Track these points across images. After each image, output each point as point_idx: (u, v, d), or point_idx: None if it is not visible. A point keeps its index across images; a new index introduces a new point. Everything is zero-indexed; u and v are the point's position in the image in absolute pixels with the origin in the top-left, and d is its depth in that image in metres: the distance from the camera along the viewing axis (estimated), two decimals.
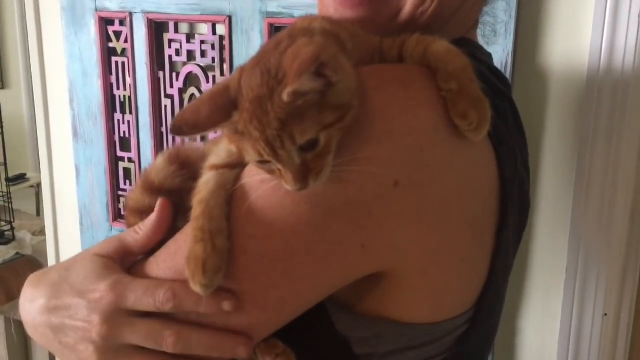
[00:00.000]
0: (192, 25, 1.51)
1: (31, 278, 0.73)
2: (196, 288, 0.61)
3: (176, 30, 1.51)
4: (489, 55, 0.88)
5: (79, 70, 1.64)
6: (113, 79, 1.60)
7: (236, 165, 0.66)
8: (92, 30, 1.58)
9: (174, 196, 0.74)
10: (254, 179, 0.63)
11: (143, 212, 0.75)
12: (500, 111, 0.74)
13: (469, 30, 0.85)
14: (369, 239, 0.64)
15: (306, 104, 0.56)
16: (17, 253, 2.76)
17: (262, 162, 0.59)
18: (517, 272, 1.29)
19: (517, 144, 0.79)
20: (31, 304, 0.70)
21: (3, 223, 2.86)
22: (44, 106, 1.70)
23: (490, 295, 0.75)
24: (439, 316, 0.72)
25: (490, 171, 0.71)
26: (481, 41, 0.95)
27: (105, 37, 1.57)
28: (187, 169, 0.76)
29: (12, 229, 2.87)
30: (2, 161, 2.84)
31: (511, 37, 1.19)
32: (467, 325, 0.75)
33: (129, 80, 1.59)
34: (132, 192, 0.81)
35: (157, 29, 1.52)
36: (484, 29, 1.17)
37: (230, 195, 0.65)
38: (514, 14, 1.17)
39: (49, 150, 1.77)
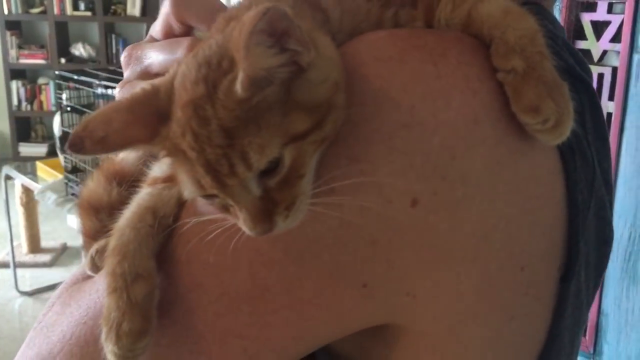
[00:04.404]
0: None
1: None
2: (111, 358, 0.46)
3: None
4: (563, 30, 0.59)
5: None
6: None
7: None
8: None
9: None
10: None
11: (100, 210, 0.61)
12: (578, 106, 0.50)
13: None
14: (373, 276, 0.46)
15: (264, 104, 0.38)
16: None
17: (209, 197, 0.43)
18: None
19: (597, 154, 0.53)
20: None
21: None
22: None
23: None
24: None
25: (554, 192, 0.50)
26: None
27: None
28: None
29: None
30: None
31: None
32: None
33: None
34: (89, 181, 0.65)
35: None
36: None
37: (173, 215, 0.49)
38: None
39: None
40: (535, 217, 0.49)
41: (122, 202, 0.59)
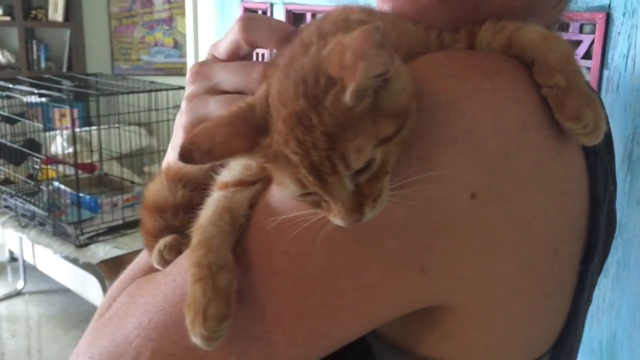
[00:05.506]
0: None
1: None
2: (196, 341, 0.50)
3: None
4: None
5: None
6: None
7: (254, 183, 0.56)
8: None
9: None
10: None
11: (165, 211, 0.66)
12: None
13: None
14: (430, 262, 0.52)
15: (360, 112, 0.44)
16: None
17: (304, 195, 0.48)
18: None
19: (606, 155, 0.63)
20: None
21: None
22: None
23: (570, 337, 0.64)
24: None
25: (580, 186, 0.58)
26: None
27: None
28: None
29: None
30: None
31: None
32: None
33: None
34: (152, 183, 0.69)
35: (295, 20, 1.47)
36: None
37: (247, 216, 0.55)
38: None
39: None
40: (566, 209, 0.58)
41: (187, 203, 0.64)
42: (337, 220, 0.47)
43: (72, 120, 2.53)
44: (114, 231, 2.77)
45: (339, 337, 0.56)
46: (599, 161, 0.60)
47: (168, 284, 0.57)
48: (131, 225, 2.82)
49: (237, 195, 0.56)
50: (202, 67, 0.64)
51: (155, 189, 0.67)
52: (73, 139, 2.64)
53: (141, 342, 0.56)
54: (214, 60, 0.66)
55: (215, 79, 0.63)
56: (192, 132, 0.48)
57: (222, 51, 0.64)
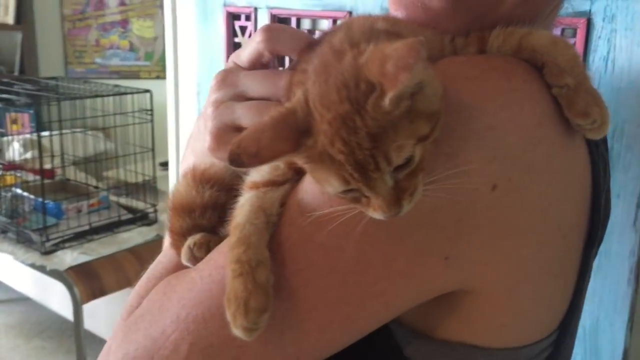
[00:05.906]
0: (314, 21, 1.47)
1: None
2: (238, 332, 0.54)
3: (298, 26, 1.47)
4: None
5: (207, 64, 1.66)
6: None
7: (282, 182, 0.59)
8: (220, 24, 1.59)
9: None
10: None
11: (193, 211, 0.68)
12: None
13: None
14: (454, 250, 0.56)
15: (399, 114, 0.48)
16: (158, 235, 2.88)
17: (346, 192, 0.51)
18: None
19: (603, 148, 0.69)
20: None
21: (148, 205, 3.02)
22: (175, 98, 1.76)
23: (575, 315, 0.70)
24: (523, 340, 0.65)
25: (585, 177, 0.64)
26: None
27: (231, 32, 1.58)
28: None
29: (156, 211, 3.00)
30: (151, 147, 2.98)
31: None
32: (550, 350, 0.68)
33: None
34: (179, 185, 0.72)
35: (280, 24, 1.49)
36: None
37: (279, 215, 0.58)
38: None
39: (177, 141, 1.81)
40: (574, 197, 0.63)
41: (214, 202, 0.68)
42: (376, 214, 0.51)
43: (37, 124, 2.47)
44: (80, 237, 2.72)
45: (369, 323, 0.59)
46: (600, 154, 0.65)
47: (203, 280, 0.60)
48: (98, 230, 2.78)
49: (268, 195, 0.59)
50: (228, 75, 0.67)
51: (183, 191, 0.70)
52: (39, 144, 2.59)
53: (179, 335, 0.58)
54: (237, 68, 0.68)
55: (242, 87, 0.66)
56: (238, 138, 0.51)
57: (244, 59, 0.67)
